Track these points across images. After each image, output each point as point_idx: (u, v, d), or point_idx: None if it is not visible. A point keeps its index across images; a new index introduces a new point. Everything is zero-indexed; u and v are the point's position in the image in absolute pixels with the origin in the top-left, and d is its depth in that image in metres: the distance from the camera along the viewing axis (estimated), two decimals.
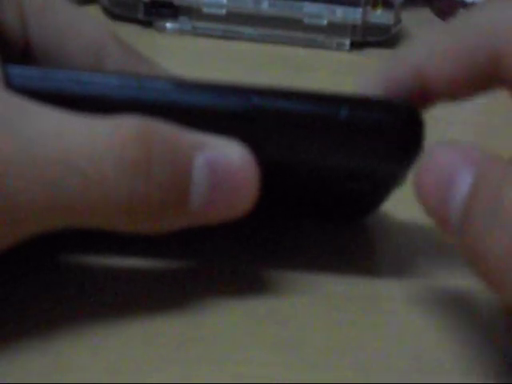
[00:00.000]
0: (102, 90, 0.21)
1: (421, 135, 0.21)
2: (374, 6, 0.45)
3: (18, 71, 0.21)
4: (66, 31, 0.25)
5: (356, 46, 0.45)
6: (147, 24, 0.45)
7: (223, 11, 0.44)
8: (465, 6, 0.52)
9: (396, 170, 0.22)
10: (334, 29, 0.45)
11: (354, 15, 0.44)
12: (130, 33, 0.43)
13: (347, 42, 0.45)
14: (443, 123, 0.37)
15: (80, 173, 0.19)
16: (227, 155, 0.20)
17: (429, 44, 0.22)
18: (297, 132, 0.21)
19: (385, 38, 0.46)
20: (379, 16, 0.45)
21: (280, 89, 0.21)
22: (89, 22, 0.25)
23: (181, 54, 0.42)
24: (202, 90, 0.21)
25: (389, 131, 0.21)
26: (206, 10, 0.44)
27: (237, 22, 0.45)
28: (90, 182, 0.19)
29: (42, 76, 0.21)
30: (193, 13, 0.44)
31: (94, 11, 0.45)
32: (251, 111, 0.21)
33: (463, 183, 0.18)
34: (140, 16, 0.44)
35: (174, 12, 0.44)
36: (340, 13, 0.44)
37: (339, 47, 0.45)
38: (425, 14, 0.55)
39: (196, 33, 0.45)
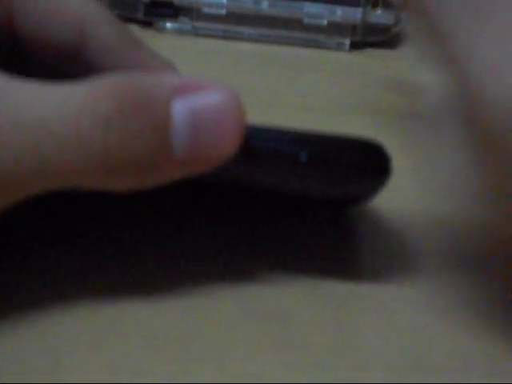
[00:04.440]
0: None
1: (387, 170, 0.22)
2: (374, 6, 0.45)
3: None
4: (49, 8, 0.24)
5: (356, 46, 0.45)
6: (147, 24, 0.45)
7: (223, 11, 0.44)
8: None
9: (363, 199, 0.24)
10: (334, 29, 0.45)
11: (354, 15, 0.44)
12: None
13: (347, 42, 0.45)
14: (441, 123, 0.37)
15: (56, 135, 0.19)
16: (209, 96, 0.20)
17: None
18: (260, 168, 0.21)
19: (385, 38, 0.46)
20: (379, 16, 0.45)
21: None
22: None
23: (181, 54, 0.42)
24: None
25: (352, 171, 0.21)
26: (205, 10, 0.44)
27: (237, 22, 0.45)
28: (65, 142, 0.19)
29: None
30: (193, 13, 0.44)
31: None
32: None
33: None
34: (140, 16, 0.44)
35: (174, 12, 0.44)
36: (340, 13, 0.44)
37: (339, 47, 0.45)
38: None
39: (196, 33, 0.45)
